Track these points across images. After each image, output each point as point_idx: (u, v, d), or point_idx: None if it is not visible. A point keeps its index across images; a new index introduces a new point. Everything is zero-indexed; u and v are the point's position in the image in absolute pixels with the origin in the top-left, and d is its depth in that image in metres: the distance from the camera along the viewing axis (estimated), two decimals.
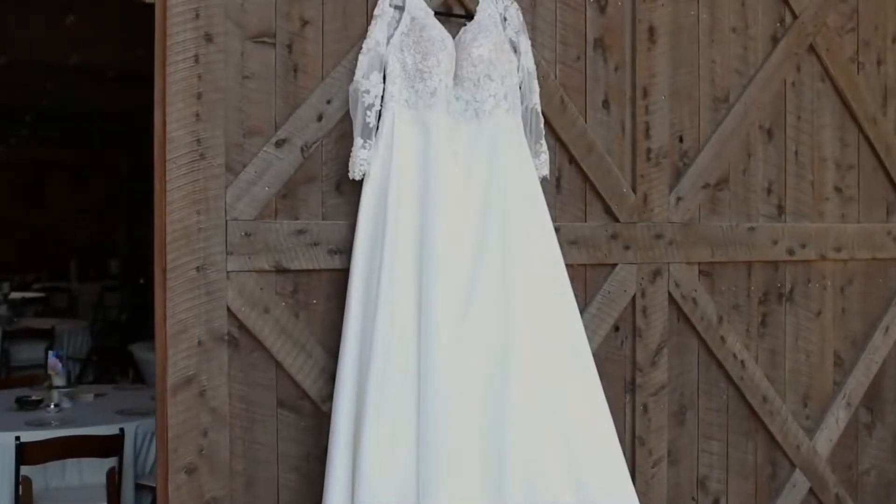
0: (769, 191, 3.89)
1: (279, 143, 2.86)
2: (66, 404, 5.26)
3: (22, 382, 6.09)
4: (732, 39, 3.79)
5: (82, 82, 9.60)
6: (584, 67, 3.43)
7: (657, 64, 3.56)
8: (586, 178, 3.41)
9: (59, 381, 5.33)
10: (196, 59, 2.75)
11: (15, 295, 11.28)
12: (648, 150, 3.53)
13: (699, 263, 3.68)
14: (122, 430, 4.59)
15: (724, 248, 3.73)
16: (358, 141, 2.87)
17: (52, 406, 5.19)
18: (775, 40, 3.89)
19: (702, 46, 3.70)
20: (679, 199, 3.61)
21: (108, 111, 11.18)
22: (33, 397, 5.32)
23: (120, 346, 8.18)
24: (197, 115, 2.75)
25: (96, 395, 5.61)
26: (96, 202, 15.12)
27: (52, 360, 5.38)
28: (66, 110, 11.44)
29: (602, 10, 3.46)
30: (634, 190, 3.50)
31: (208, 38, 2.77)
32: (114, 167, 14.78)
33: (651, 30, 3.54)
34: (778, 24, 3.91)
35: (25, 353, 8.57)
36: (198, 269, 2.75)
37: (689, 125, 3.67)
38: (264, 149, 2.85)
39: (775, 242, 3.88)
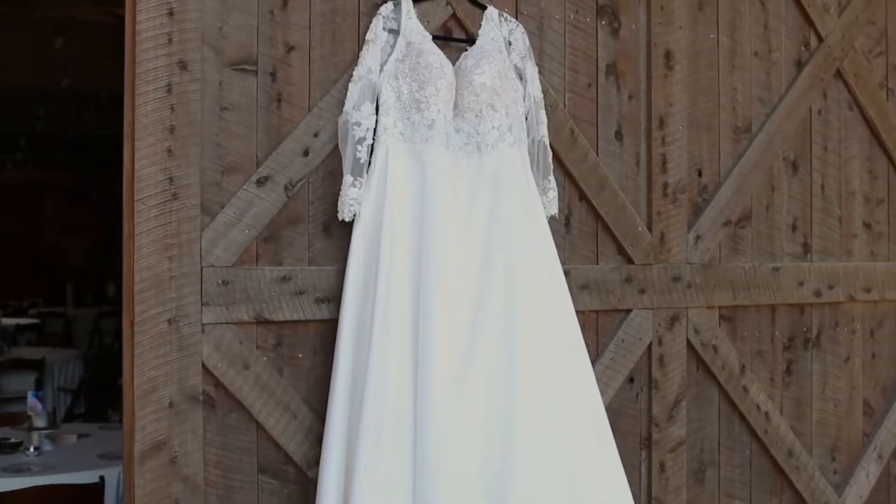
0: (794, 227, 3.66)
1: (261, 181, 2.63)
2: (46, 447, 5.01)
3: (3, 422, 5.84)
4: (754, 65, 3.56)
5: (75, 105, 9.47)
6: (596, 96, 3.21)
7: (674, 92, 3.34)
8: (598, 217, 3.19)
9: (39, 422, 5.10)
10: (168, 88, 2.52)
11: (8, 321, 11.07)
12: (665, 185, 3.30)
13: (720, 307, 3.45)
14: (102, 477, 4.35)
15: (746, 290, 3.49)
16: (348, 178, 2.64)
17: (32, 449, 4.93)
18: (800, 65, 3.67)
19: (722, 72, 3.48)
20: (698, 237, 3.38)
21: (104, 134, 11.03)
22: (12, 440, 5.07)
23: (112, 377, 7.94)
24: (169, 150, 2.51)
25: (80, 436, 5.36)
26: (93, 225, 14.95)
27: (31, 400, 5.15)
28: (60, 134, 11.32)
29: (615, 33, 3.23)
30: (650, 229, 3.27)
31: (182, 65, 2.53)
32: (111, 190, 14.60)
33: (668, 55, 3.32)
34: (802, 48, 3.68)
35: (15, 384, 8.37)
36: (169, 321, 2.50)
37: (708, 157, 3.44)
38: (244, 187, 2.62)
39: (801, 283, 3.64)
